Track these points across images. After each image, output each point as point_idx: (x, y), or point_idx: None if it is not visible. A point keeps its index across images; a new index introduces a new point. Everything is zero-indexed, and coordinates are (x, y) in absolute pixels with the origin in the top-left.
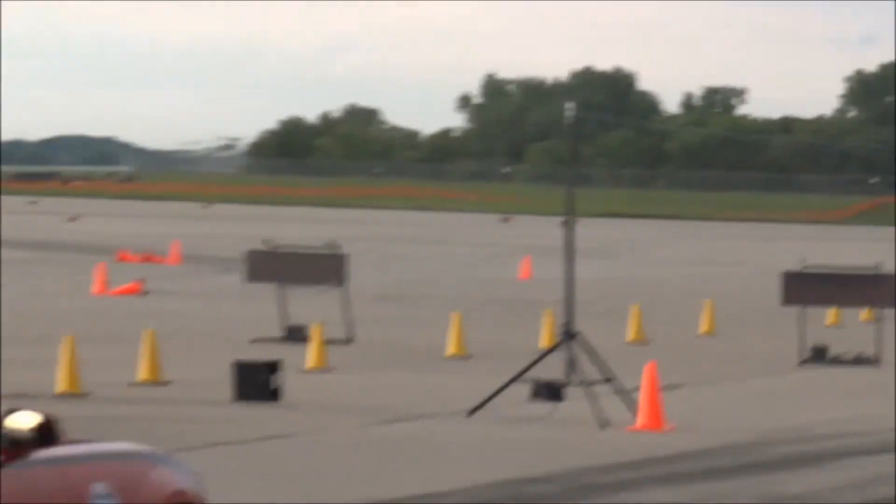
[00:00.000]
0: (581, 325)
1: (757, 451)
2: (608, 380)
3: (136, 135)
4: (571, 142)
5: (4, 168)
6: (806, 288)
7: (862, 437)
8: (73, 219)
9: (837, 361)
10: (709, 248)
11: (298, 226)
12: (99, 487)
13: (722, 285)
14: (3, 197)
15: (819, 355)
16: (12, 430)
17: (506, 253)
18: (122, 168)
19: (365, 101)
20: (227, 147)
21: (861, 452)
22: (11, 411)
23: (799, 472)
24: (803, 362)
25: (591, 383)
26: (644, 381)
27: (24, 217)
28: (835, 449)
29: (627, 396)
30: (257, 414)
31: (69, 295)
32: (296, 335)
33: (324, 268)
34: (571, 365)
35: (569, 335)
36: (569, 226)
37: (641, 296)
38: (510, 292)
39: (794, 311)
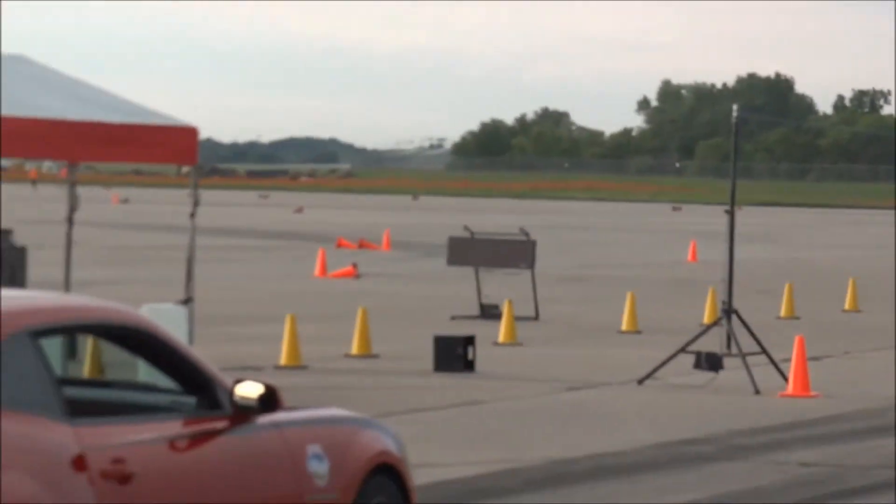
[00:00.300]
0: (739, 302)
1: (892, 416)
2: (762, 351)
3: (354, 136)
4: (735, 139)
5: (240, 166)
6: None
7: None
8: (298, 210)
9: None
10: (855, 234)
11: (495, 216)
12: (314, 448)
13: (866, 267)
14: (239, 192)
15: None
16: (240, 398)
17: (676, 238)
18: (343, 165)
19: (555, 105)
20: (435, 146)
21: None
22: (239, 381)
23: None
24: None
25: (746, 355)
26: (794, 353)
27: (256, 209)
28: None
29: (778, 367)
30: (454, 383)
31: (293, 278)
32: (489, 313)
33: (515, 252)
34: (730, 338)
35: (728, 311)
36: (731, 214)
37: (794, 276)
38: (678, 273)
39: None
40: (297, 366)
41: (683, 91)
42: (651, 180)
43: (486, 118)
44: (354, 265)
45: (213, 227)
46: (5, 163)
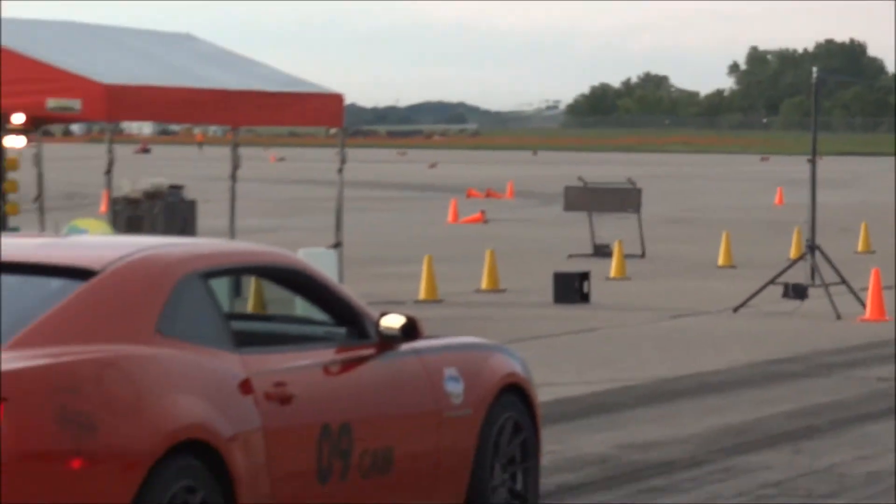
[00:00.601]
0: (821, 239)
1: None
2: (842, 282)
3: (481, 100)
4: (815, 97)
5: (381, 128)
6: None
7: None
8: (432, 166)
9: None
10: None
11: (604, 167)
12: (450, 370)
13: None
14: (379, 150)
15: None
16: (385, 328)
17: (764, 185)
18: (470, 126)
19: (656, 70)
20: (551, 108)
21: None
22: (384, 314)
23: None
24: None
25: (828, 285)
26: (870, 283)
27: (395, 165)
28: None
29: (857, 295)
30: (571, 313)
31: (429, 224)
32: (602, 252)
33: (623, 199)
34: (813, 271)
35: (811, 247)
36: (812, 163)
37: (870, 216)
38: (767, 216)
39: None
40: (433, 300)
41: (769, 56)
42: (741, 135)
43: (596, 82)
44: (482, 212)
45: (358, 181)
46: (175, 128)
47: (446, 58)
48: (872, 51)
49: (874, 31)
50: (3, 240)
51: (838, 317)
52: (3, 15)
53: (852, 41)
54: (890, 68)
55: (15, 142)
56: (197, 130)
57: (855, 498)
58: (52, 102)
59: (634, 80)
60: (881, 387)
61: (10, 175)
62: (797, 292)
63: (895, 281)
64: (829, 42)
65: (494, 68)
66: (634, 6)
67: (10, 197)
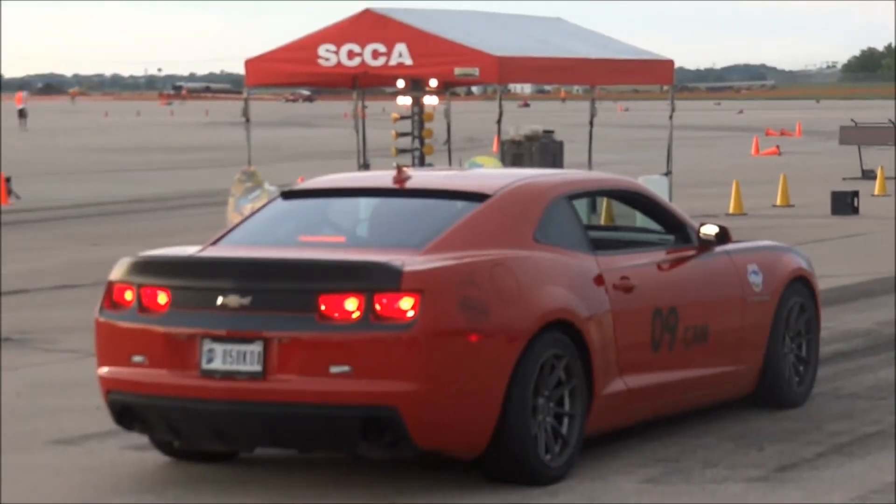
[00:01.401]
0: None
1: None
2: None
3: (777, 61)
4: None
5: (700, 85)
6: None
7: None
8: (740, 112)
9: None
10: None
11: (871, 112)
12: (752, 266)
13: None
14: (700, 102)
15: None
16: (703, 235)
17: None
18: (768, 82)
19: None
20: (830, 67)
21: None
22: (702, 224)
23: None
24: None
25: None
26: None
27: (711, 112)
28: None
29: None
30: (844, 222)
31: (737, 156)
32: (868, 175)
33: (886, 134)
34: None
35: None
36: None
37: None
38: None
39: None
40: (740, 213)
41: None
42: None
43: (864, 47)
44: (777, 147)
45: (683, 125)
46: (548, 88)
47: (751, 27)
48: None
49: None
50: (421, 172)
51: None
52: (419, 5)
53: None
54: None
55: (430, 100)
56: (562, 89)
57: None
58: (457, 70)
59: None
60: None
61: (427, 125)
62: None
63: None
64: None
65: (788, 35)
66: None
67: (427, 141)
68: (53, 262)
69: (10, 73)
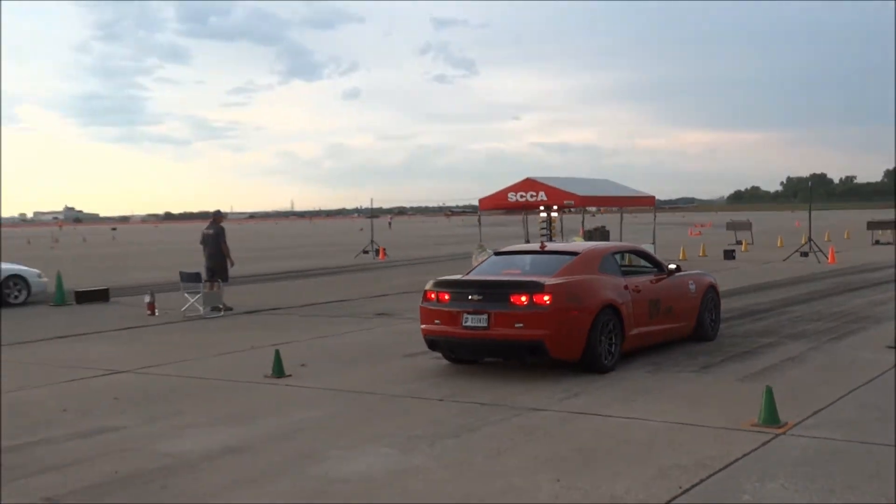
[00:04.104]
0: None
1: None
2: None
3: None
4: None
5: (664, 205)
6: None
7: None
8: (683, 216)
9: None
10: None
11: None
12: (690, 281)
13: None
14: (667, 215)
15: None
16: (669, 268)
17: None
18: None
19: None
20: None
21: None
22: (669, 263)
23: None
24: None
25: None
26: None
27: (671, 217)
28: None
29: None
30: (729, 263)
31: (682, 235)
32: (738, 243)
33: (745, 225)
34: None
35: None
36: None
37: None
38: None
39: None
40: (684, 259)
41: None
42: None
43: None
44: (700, 231)
45: (659, 223)
46: (601, 208)
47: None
48: None
49: None
50: (550, 244)
51: None
52: (547, 173)
53: None
54: None
55: (554, 214)
56: (603, 209)
57: None
58: (565, 201)
59: None
60: None
61: (553, 225)
62: None
63: None
64: None
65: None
66: None
67: (552, 231)
68: (400, 281)
69: None
